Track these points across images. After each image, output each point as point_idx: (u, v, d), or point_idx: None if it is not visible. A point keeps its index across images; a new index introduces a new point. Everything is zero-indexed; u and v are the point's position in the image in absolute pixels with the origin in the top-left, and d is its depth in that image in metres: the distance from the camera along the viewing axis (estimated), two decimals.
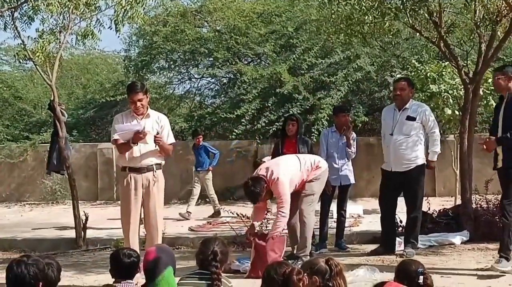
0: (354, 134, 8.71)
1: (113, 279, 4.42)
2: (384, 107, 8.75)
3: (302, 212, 7.39)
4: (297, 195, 7.43)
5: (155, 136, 6.76)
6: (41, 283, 3.66)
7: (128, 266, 4.39)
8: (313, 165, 7.50)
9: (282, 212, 7.15)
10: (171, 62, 16.65)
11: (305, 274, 3.85)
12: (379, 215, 8.27)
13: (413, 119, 7.81)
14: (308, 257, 7.18)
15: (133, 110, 6.87)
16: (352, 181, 8.64)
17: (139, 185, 6.79)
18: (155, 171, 6.85)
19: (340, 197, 8.65)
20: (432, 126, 7.89)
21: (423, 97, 10.83)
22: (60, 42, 9.53)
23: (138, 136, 6.67)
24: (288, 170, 7.31)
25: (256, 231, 7.43)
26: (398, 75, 11.62)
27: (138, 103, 6.79)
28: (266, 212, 7.76)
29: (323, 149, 8.47)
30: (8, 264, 3.70)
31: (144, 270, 4.22)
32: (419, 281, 3.96)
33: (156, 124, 6.90)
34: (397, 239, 8.20)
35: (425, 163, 7.94)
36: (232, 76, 16.39)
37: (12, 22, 9.38)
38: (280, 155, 8.08)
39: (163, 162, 6.98)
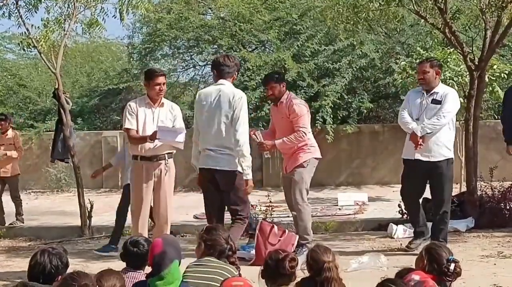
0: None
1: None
2: (410, 90, 8.03)
3: (296, 200, 7.37)
4: (288, 181, 7.48)
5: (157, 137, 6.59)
6: (59, 277, 3.70)
7: (138, 255, 4.41)
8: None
9: (302, 128, 7.31)
10: (175, 50, 16.62)
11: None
12: (384, 202, 8.25)
13: (439, 102, 7.18)
14: (312, 244, 7.17)
15: (156, 94, 6.70)
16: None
17: (150, 174, 6.76)
18: (167, 160, 6.79)
19: None
20: (445, 107, 7.15)
21: None
22: (64, 30, 9.51)
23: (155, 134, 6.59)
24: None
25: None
26: (403, 62, 11.55)
27: (163, 86, 6.74)
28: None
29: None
30: (34, 252, 3.80)
31: (150, 262, 4.22)
32: (450, 269, 3.93)
33: (169, 113, 6.84)
34: (402, 226, 8.23)
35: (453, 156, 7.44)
36: None
37: (16, 10, 9.37)
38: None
39: (174, 151, 6.92)
